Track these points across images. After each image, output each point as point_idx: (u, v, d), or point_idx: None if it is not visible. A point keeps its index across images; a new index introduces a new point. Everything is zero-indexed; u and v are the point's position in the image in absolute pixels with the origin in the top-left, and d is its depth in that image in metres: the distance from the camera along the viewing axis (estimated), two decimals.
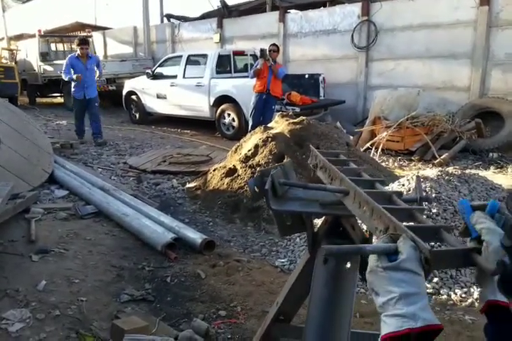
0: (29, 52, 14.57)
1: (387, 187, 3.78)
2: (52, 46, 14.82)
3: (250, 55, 9.63)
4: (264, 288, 2.97)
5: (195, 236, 3.46)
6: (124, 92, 10.66)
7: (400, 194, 1.26)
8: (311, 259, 1.40)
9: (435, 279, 2.87)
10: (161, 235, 3.45)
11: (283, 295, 1.58)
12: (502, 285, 0.64)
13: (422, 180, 3.59)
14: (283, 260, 3.42)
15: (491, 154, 6.68)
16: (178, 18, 13.87)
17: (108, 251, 3.39)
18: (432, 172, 4.31)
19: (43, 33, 14.83)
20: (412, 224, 0.95)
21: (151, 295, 2.84)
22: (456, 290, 2.83)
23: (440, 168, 5.11)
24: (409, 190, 3.55)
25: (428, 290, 2.80)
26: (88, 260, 3.24)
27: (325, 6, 10.16)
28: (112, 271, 3.11)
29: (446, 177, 3.97)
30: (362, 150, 6.56)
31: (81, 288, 2.85)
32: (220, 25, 11.90)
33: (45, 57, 14.05)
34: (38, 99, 15.14)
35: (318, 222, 2.16)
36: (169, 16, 14.04)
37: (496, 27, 7.39)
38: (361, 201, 1.08)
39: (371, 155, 6.44)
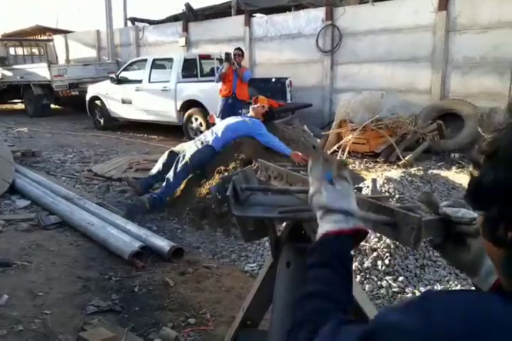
0: None
1: None
2: (11, 50, 14.41)
3: (217, 58, 9.61)
4: (234, 294, 2.96)
5: (163, 243, 3.41)
6: (88, 97, 10.45)
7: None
8: (274, 263, 1.42)
9: (400, 278, 2.93)
10: (128, 244, 3.39)
11: (249, 301, 1.59)
12: (473, 197, 0.65)
13: (384, 190, 3.65)
14: (252, 265, 3.42)
15: (452, 154, 6.87)
16: (142, 21, 13.73)
17: (73, 262, 3.31)
18: (396, 173, 4.41)
19: (1, 37, 14.43)
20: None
21: (118, 305, 2.79)
22: (421, 288, 2.89)
23: (404, 169, 5.25)
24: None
25: (394, 289, 2.86)
26: (52, 272, 3.15)
27: (290, 10, 10.25)
28: (78, 282, 3.04)
29: (409, 178, 4.07)
30: (329, 153, 6.65)
31: (45, 301, 2.77)
32: (185, 29, 11.84)
33: (3, 61, 13.67)
34: None
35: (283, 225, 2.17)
36: (133, 19, 13.89)
37: (453, 31, 7.64)
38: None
39: (338, 157, 6.53)
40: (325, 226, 0.81)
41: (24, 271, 3.14)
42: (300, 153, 4.49)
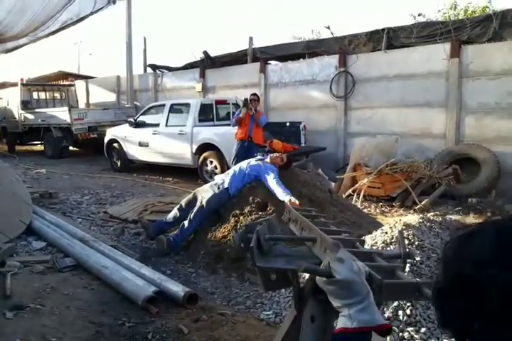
0: (10, 100, 14.69)
1: (371, 235, 3.79)
2: (35, 94, 14.96)
3: (232, 103, 9.85)
4: None
5: (177, 288, 3.36)
6: (106, 140, 10.69)
7: (362, 241, 1.32)
8: (297, 317, 1.38)
9: (423, 329, 2.81)
10: (142, 288, 3.34)
11: None
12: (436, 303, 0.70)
13: (404, 235, 3.60)
14: (268, 312, 3.33)
15: (470, 199, 6.79)
16: (161, 68, 14.22)
17: (86, 307, 3.26)
18: (413, 218, 4.35)
19: (25, 82, 15.02)
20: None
21: None
22: (444, 340, 2.77)
23: (421, 215, 5.18)
24: (392, 238, 3.55)
25: None
26: (65, 316, 3.10)
27: (304, 57, 10.58)
28: (91, 327, 2.98)
29: (428, 224, 4.01)
30: (344, 196, 6.62)
31: None
32: (202, 75, 12.22)
33: (26, 105, 14.16)
34: (18, 147, 15.07)
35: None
36: (153, 66, 14.40)
37: (467, 78, 7.76)
38: (326, 246, 1.13)
39: (353, 201, 6.49)
40: (339, 320, 0.83)
41: (37, 315, 3.09)
42: (297, 202, 4.17)
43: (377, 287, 0.88)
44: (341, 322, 0.81)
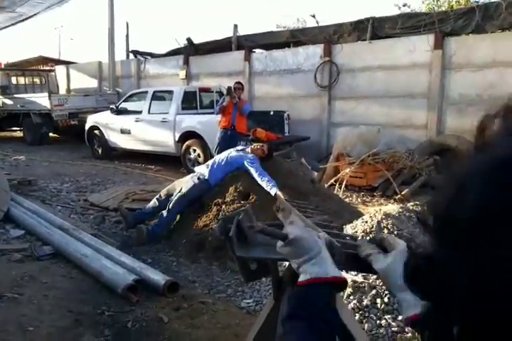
0: None
1: (351, 224, 3.83)
2: (13, 79, 14.61)
3: (216, 91, 9.77)
4: (230, 331, 2.88)
5: (158, 277, 3.35)
6: (87, 127, 10.52)
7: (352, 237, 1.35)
8: (276, 306, 1.38)
9: (400, 317, 2.87)
10: (122, 277, 3.32)
11: None
12: (409, 280, 0.60)
13: (382, 225, 3.63)
14: (249, 301, 3.35)
15: None
16: (144, 54, 14.01)
17: (65, 295, 3.23)
18: (393, 208, 4.40)
19: (3, 66, 14.66)
20: None
21: None
22: None
23: (401, 204, 5.24)
24: (372, 227, 3.59)
25: (393, 328, 2.79)
26: (44, 305, 3.07)
27: (289, 46, 10.51)
28: (69, 316, 2.95)
29: (407, 214, 4.05)
30: (326, 186, 6.65)
31: (35, 337, 2.68)
32: (186, 62, 12.08)
33: (4, 90, 13.85)
34: None
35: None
36: (135, 52, 14.17)
37: (449, 69, 7.82)
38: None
39: (335, 191, 6.53)
40: (308, 270, 0.80)
41: (15, 304, 3.05)
42: (282, 195, 4.19)
43: (338, 256, 0.90)
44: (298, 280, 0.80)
